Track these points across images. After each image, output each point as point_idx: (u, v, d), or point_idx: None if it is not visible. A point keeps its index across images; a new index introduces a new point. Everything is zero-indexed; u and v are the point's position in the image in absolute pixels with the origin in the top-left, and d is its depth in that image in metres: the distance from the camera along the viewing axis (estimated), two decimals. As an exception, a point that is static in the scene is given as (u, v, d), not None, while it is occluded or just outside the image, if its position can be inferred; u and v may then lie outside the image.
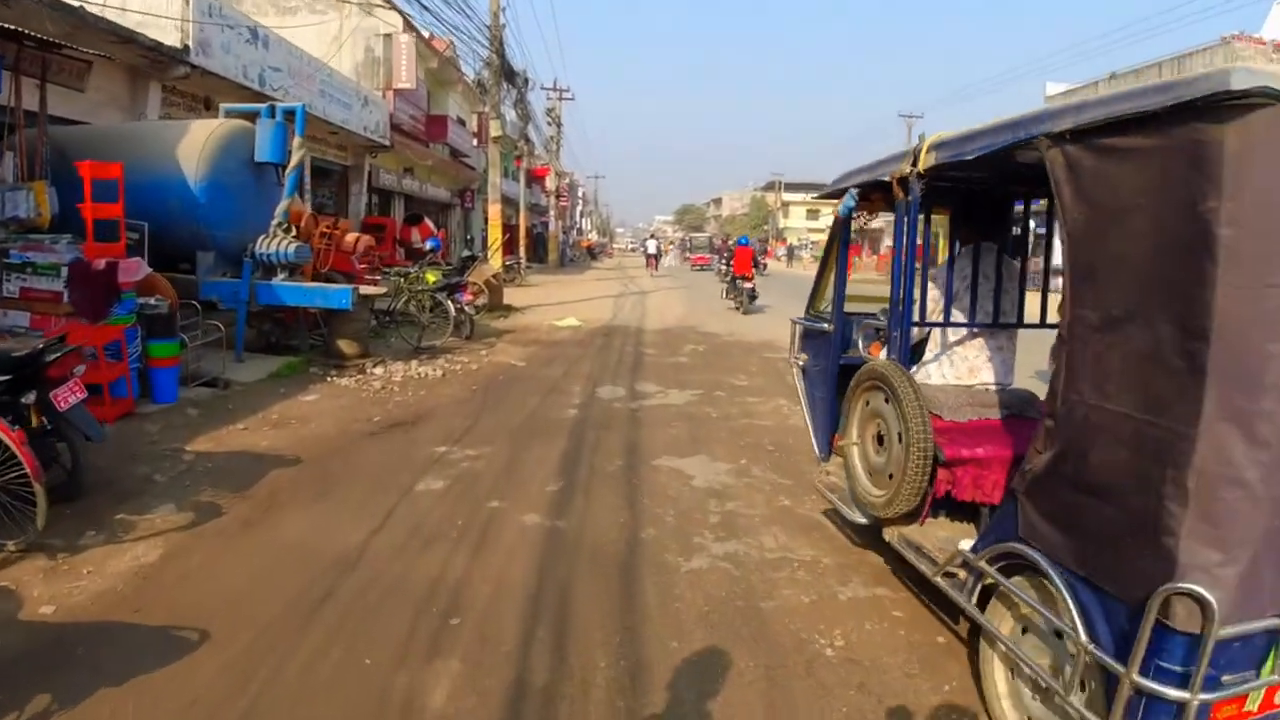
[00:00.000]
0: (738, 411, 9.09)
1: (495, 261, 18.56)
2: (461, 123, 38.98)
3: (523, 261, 30.24)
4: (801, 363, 5.78)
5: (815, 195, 10.33)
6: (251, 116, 11.42)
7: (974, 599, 3.44)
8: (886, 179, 4.24)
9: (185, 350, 8.97)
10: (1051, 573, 2.88)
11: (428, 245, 16.07)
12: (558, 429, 8.06)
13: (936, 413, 4.13)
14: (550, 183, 43.07)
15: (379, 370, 10.72)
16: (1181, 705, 2.39)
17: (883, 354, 4.49)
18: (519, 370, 11.45)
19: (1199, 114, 2.34)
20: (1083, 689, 2.77)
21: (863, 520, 4.57)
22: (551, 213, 43.16)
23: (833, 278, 5.39)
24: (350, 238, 16.14)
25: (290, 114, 11.28)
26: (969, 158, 3.51)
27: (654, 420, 8.59)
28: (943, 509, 4.21)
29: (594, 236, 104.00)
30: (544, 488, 6.19)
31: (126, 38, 11.81)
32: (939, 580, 3.72)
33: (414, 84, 27.36)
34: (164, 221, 10.16)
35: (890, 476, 4.08)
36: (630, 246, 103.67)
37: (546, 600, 4.34)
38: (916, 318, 4.38)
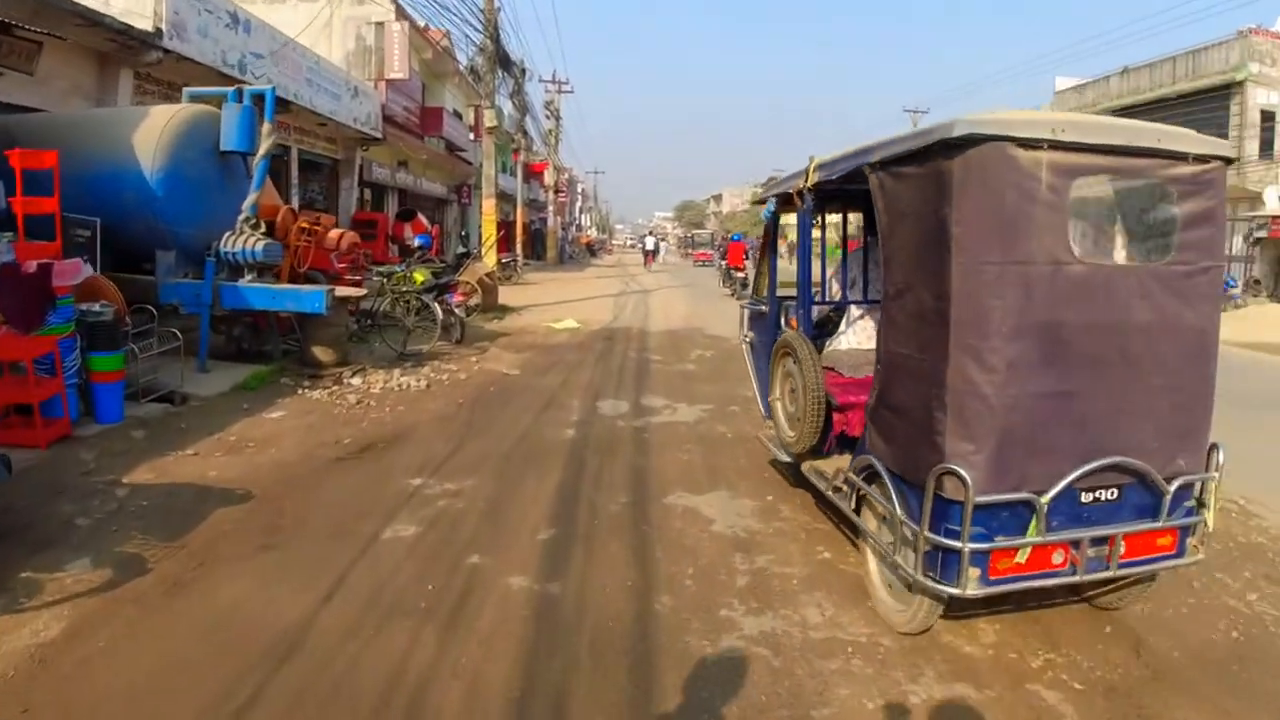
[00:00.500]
0: (755, 431, 8.09)
1: (489, 259, 17.54)
2: (458, 116, 37.91)
3: (519, 259, 29.21)
4: (749, 339, 7.01)
5: (751, 201, 11.54)
6: (219, 101, 10.38)
7: (852, 505, 4.49)
8: (790, 191, 5.39)
9: (135, 362, 7.97)
10: (882, 473, 4.01)
11: (416, 242, 14.97)
12: (553, 454, 7.05)
13: (839, 371, 5.46)
14: (548, 178, 41.99)
15: (356, 380, 9.71)
16: (958, 553, 3.42)
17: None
18: (512, 380, 10.43)
19: (939, 151, 3.50)
20: (906, 551, 3.80)
21: (787, 459, 5.66)
22: (550, 208, 42.07)
23: (767, 269, 6.51)
24: (333, 234, 15.06)
25: (259, 98, 10.24)
26: (834, 177, 4.66)
27: (663, 442, 7.58)
28: (846, 447, 5.09)
29: (593, 233, 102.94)
30: (535, 535, 5.18)
31: (93, 20, 10.82)
32: (831, 494, 4.81)
33: (407, 74, 26.33)
34: (119, 217, 9.17)
35: (798, 420, 5.22)
36: (629, 243, 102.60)
37: (534, 713, 3.34)
38: (818, 299, 6.22)
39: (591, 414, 8.64)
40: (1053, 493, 3.50)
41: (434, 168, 35.26)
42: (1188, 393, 3.81)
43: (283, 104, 19.81)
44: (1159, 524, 3.72)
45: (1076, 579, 3.69)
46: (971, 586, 3.47)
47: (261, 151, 9.97)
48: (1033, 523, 3.52)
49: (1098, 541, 3.67)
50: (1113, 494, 3.73)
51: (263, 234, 9.87)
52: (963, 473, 3.37)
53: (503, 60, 16.96)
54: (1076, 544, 3.61)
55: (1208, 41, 31.17)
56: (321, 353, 10.30)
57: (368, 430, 7.65)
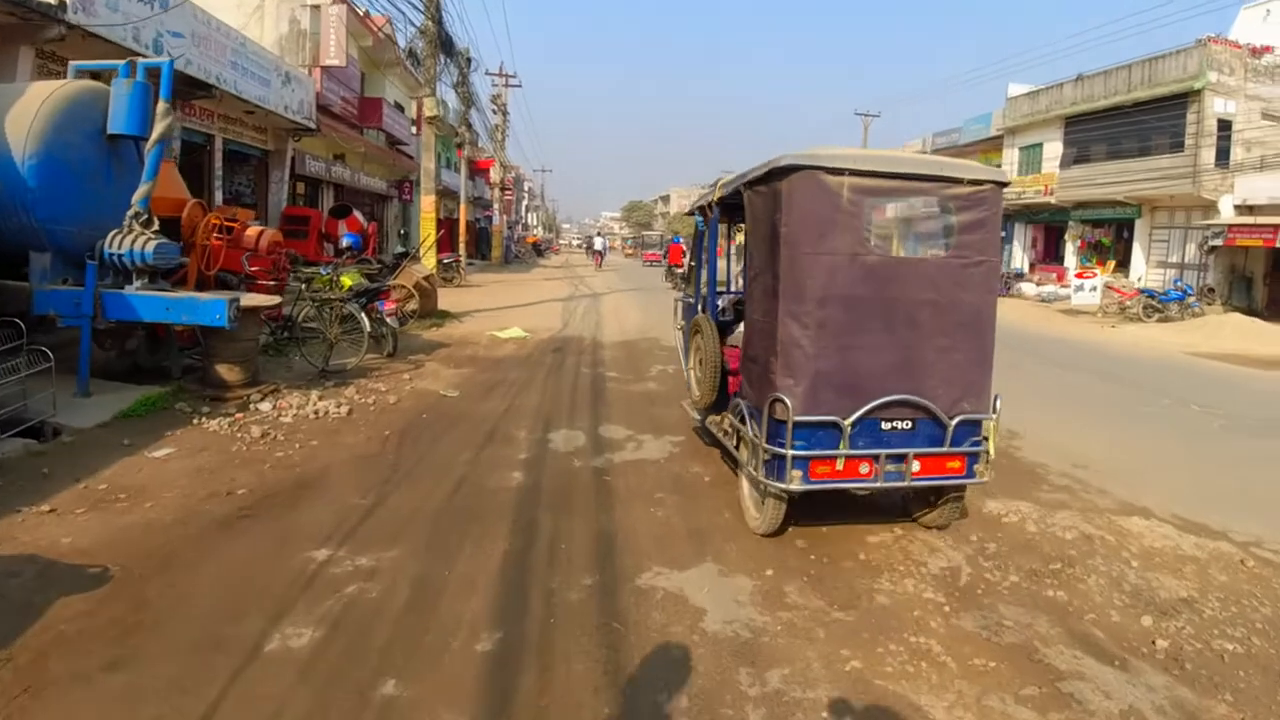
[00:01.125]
0: (736, 471, 6.93)
1: (429, 261, 16.15)
2: (399, 108, 36.27)
3: (463, 260, 27.74)
4: (680, 327, 8.42)
5: (686, 212, 13.18)
6: (110, 77, 8.89)
7: (734, 444, 5.87)
8: (704, 204, 7.02)
9: (-16, 387, 6.52)
10: (745, 409, 5.48)
11: (345, 241, 13.52)
12: (496, 511, 5.76)
13: (738, 346, 6.24)
14: (494, 175, 40.44)
15: (265, 406, 8.32)
16: (783, 458, 4.76)
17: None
18: (449, 404, 9.11)
19: (777, 176, 4.97)
20: (758, 464, 5.08)
21: (699, 418, 7.23)
22: (495, 207, 40.50)
23: (695, 268, 8.03)
24: (251, 232, 13.62)
25: (155, 72, 8.75)
26: (729, 193, 6.18)
27: (630, 490, 6.35)
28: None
29: (540, 232, 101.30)
30: (472, 645, 3.90)
31: (-15, -11, 9.31)
32: (720, 437, 6.36)
33: (344, 61, 24.79)
34: (-21, 212, 7.70)
35: (701, 382, 6.86)
36: (576, 243, 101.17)
37: None
38: (722, 289, 8.18)
39: (542, 449, 7.39)
40: (853, 418, 4.83)
41: (373, 162, 33.59)
42: (967, 353, 5.10)
43: (204, 88, 18.26)
44: (944, 450, 5.03)
45: (878, 485, 4.98)
46: (795, 483, 4.82)
47: (155, 135, 8.49)
48: (842, 440, 4.84)
49: (895, 459, 4.97)
50: (907, 425, 5.01)
51: (156, 232, 8.41)
52: (786, 400, 4.78)
53: (445, 44, 15.58)
54: (877, 459, 4.92)
55: (1165, 50, 30.94)
56: (227, 371, 8.88)
57: (270, 476, 6.28)
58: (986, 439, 5.13)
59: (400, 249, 24.26)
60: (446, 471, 6.57)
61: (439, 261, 24.77)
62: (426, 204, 16.00)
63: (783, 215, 4.89)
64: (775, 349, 4.93)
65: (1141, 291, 27.50)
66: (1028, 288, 36.05)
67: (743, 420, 5.49)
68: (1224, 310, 27.41)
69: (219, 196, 21.15)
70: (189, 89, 17.72)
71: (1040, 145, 38.02)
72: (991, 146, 42.21)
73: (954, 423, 4.98)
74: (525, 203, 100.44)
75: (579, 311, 19.66)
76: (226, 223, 13.92)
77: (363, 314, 10.32)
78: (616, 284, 32.32)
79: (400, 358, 11.72)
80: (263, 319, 10.05)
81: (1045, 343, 18.41)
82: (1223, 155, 29.80)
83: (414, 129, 37.47)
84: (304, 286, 10.87)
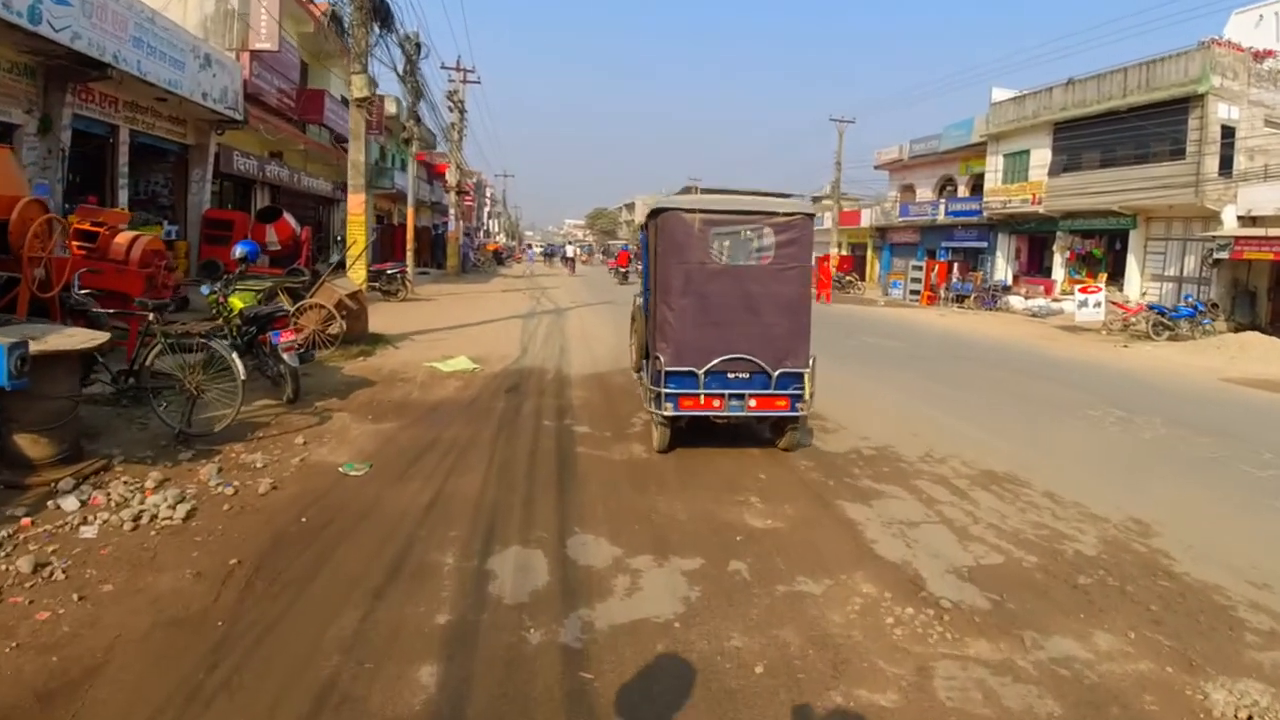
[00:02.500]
0: (796, 640, 4.13)
1: (357, 274, 13.21)
2: (347, 104, 33.17)
3: (409, 270, 24.74)
4: (635, 327, 10.39)
5: (638, 227, 14.16)
6: None
7: (649, 389, 7.77)
8: (645, 222, 8.76)
9: None
10: (646, 364, 8.58)
11: (237, 252, 10.54)
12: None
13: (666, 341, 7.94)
14: (450, 177, 37.35)
15: (71, 502, 5.41)
16: (659, 395, 7.23)
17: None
18: (349, 492, 6.18)
19: (656, 214, 7.69)
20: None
21: (636, 375, 9.75)
22: (452, 212, 37.37)
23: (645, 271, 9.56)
24: (121, 240, 10.67)
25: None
26: (655, 217, 7.82)
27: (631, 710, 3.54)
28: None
29: (502, 239, 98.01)
30: None
31: None
32: (640, 389, 9.04)
33: (276, 45, 21.81)
34: None
35: (633, 350, 10.17)
36: (542, 250, 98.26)
37: None
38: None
39: (478, 596, 4.48)
40: (704, 369, 7.30)
41: (316, 161, 30.49)
42: (787, 328, 7.54)
43: (98, 68, 15.17)
44: (771, 392, 7.42)
45: (726, 414, 7.50)
46: (668, 411, 7.30)
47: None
48: (699, 384, 7.31)
49: (737, 397, 7.41)
50: (745, 375, 7.43)
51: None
52: (661, 358, 7.35)
53: (380, 11, 12.71)
54: (724, 397, 7.38)
55: (1165, 52, 28.87)
56: (30, 444, 5.96)
57: (10, 670, 3.42)
58: (804, 386, 7.48)
59: (338, 257, 21.25)
60: (304, 666, 3.69)
61: (381, 273, 21.80)
62: (354, 204, 13.09)
63: (658, 239, 7.72)
64: (654, 324, 7.83)
65: (1149, 307, 25.27)
66: (1015, 301, 33.83)
67: (645, 366, 8.45)
68: (1227, 326, 25.34)
69: (124, 197, 18.07)
70: (79, 68, 14.72)
71: (1027, 152, 35.86)
72: (973, 153, 40.05)
73: (777, 374, 7.41)
74: (487, 209, 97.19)
75: (540, 332, 16.79)
76: (92, 227, 10.99)
77: (234, 355, 7.37)
78: (583, 295, 29.39)
79: (303, 405, 8.85)
80: (98, 362, 7.11)
81: (1063, 368, 15.99)
82: (1225, 164, 27.78)
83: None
84: (151, 317, 7.71)
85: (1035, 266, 38.10)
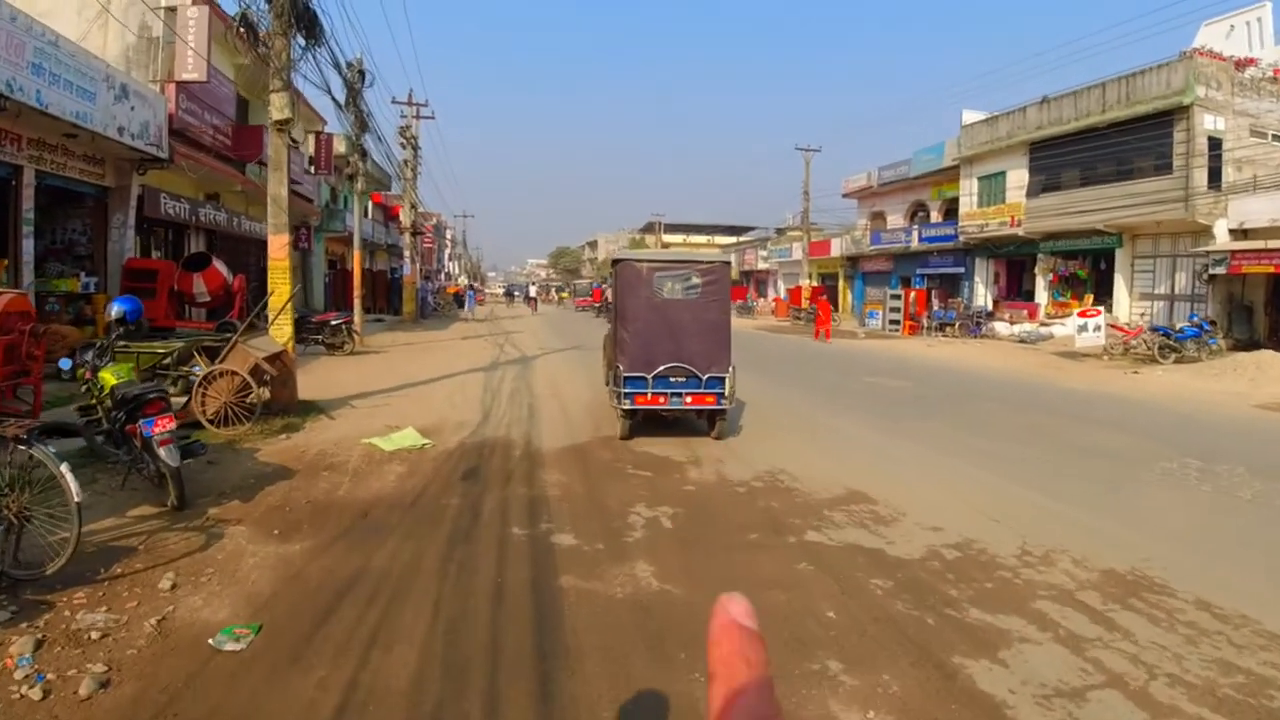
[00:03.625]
0: None
1: (281, 331, 10.85)
2: (294, 143, 30.92)
3: (357, 319, 22.35)
4: (605, 347, 12.86)
5: (604, 269, 18.68)
6: None
7: (610, 385, 11.07)
8: (609, 269, 12.93)
9: None
10: (613, 372, 10.88)
11: (112, 311, 8.17)
12: None
13: (624, 355, 10.22)
14: (405, 218, 35.02)
15: None
16: (619, 393, 9.91)
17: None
18: (210, 696, 3.83)
19: (616, 262, 10.85)
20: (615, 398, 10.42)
21: (608, 388, 11.12)
22: (406, 254, 34.95)
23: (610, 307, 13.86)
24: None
25: None
26: (615, 265, 10.85)
27: None
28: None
29: (464, 281, 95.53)
30: None
31: None
32: (609, 388, 11.11)
33: (204, 75, 19.48)
34: None
35: (604, 366, 12.49)
36: (504, 290, 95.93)
37: None
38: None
39: None
40: (652, 374, 9.63)
41: (259, 203, 27.98)
42: (712, 345, 9.91)
43: (-14, 97, 12.95)
44: (702, 391, 9.75)
45: (669, 408, 9.91)
46: (626, 405, 9.70)
47: None
48: (648, 385, 9.63)
49: (676, 395, 9.73)
50: (683, 379, 9.72)
51: None
52: (620, 365, 9.80)
53: (302, 18, 10.49)
54: (667, 395, 9.70)
55: (1144, 65, 27.52)
56: None
57: None
58: (725, 386, 9.88)
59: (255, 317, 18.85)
60: None
61: (324, 324, 19.41)
62: (275, 246, 10.75)
63: (617, 281, 10.73)
64: (616, 343, 10.50)
65: (1152, 328, 23.59)
66: (1000, 327, 32.12)
67: (611, 374, 10.69)
68: (1225, 343, 23.73)
69: (29, 246, 15.61)
70: (-41, 99, 12.42)
71: (1003, 174, 34.42)
72: (946, 178, 38.59)
73: (705, 377, 9.84)
74: (448, 251, 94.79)
75: (505, 388, 14.48)
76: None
77: (63, 467, 5.05)
78: (550, 340, 27.15)
79: (191, 514, 6.55)
80: None
81: (1089, 403, 14.13)
82: (1214, 176, 26.36)
83: (310, 167, 32.12)
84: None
85: (1015, 290, 36.58)
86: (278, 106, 10.76)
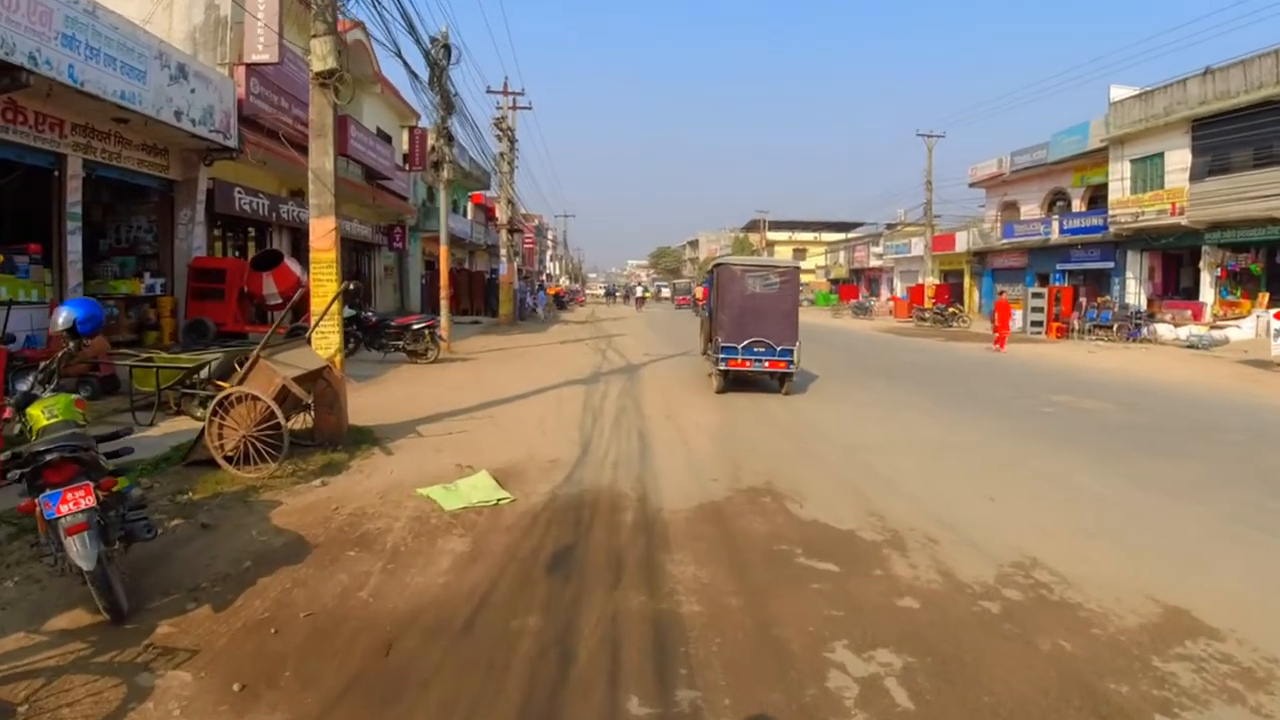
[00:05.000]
0: None
1: (325, 341, 8.34)
2: (385, 138, 29.03)
3: (443, 323, 20.03)
4: (701, 319, 18.94)
5: (704, 270, 20.49)
6: None
7: (712, 359, 14.63)
8: (710, 270, 16.26)
9: None
10: (713, 343, 15.31)
11: (59, 320, 5.74)
12: None
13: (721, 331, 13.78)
14: (502, 214, 32.79)
15: None
16: (719, 358, 13.64)
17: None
18: None
19: (717, 267, 14.83)
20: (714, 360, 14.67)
21: (704, 356, 16.24)
22: (503, 253, 32.72)
23: (706, 301, 18.35)
24: None
25: None
26: (715, 269, 14.96)
27: None
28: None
29: (565, 283, 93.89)
30: None
31: None
32: (704, 356, 16.70)
33: (277, 56, 17.46)
34: None
35: (701, 338, 17.73)
36: (604, 291, 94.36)
37: None
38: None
39: None
40: (741, 344, 13.18)
41: (350, 201, 26.25)
42: (786, 324, 13.41)
43: (6, 72, 11.04)
44: (776, 357, 13.20)
45: (752, 370, 13.35)
46: (722, 366, 13.39)
47: None
48: (738, 352, 13.16)
49: (758, 360, 13.22)
50: (763, 349, 13.17)
51: None
52: (719, 338, 13.47)
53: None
54: (751, 360, 13.22)
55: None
56: None
57: None
58: (793, 354, 13.19)
59: (350, 312, 16.57)
60: None
61: (405, 329, 17.08)
62: (318, 233, 8.33)
63: (717, 278, 14.08)
64: (715, 323, 14.00)
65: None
66: (1164, 330, 27.92)
67: (709, 346, 14.75)
68: None
69: (74, 244, 13.76)
70: (-22, 73, 10.49)
71: (1160, 155, 30.09)
72: (1090, 162, 34.30)
73: (779, 348, 13.06)
74: (549, 252, 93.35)
75: (608, 408, 11.75)
76: None
77: None
78: (656, 345, 24.30)
79: (135, 624, 4.10)
80: None
81: None
82: None
83: (404, 163, 30.22)
84: None
85: (1172, 287, 32.15)
86: (319, 55, 8.32)
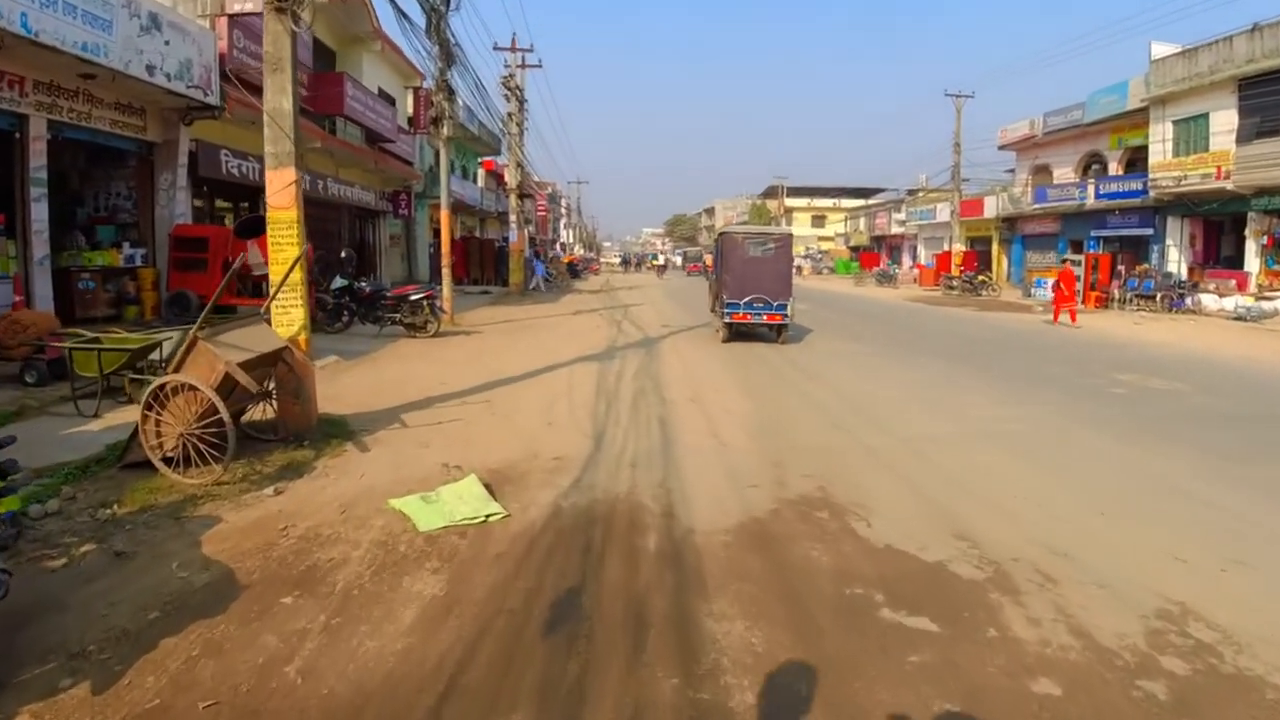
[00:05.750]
0: None
1: (285, 317, 7.00)
2: (389, 100, 27.56)
3: (444, 294, 18.62)
4: (709, 283, 21.52)
5: (719, 236, 18.73)
6: None
7: (719, 315, 17.15)
8: (716, 238, 19.94)
9: None
10: (717, 301, 18.25)
11: None
12: None
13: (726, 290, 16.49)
14: (511, 177, 31.25)
15: None
16: (724, 312, 16.22)
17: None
18: None
19: (721, 236, 18.17)
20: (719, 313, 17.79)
21: (712, 312, 18.87)
22: (512, 219, 31.18)
23: (713, 265, 21.85)
24: None
25: None
26: (721, 238, 17.92)
27: None
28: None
29: (579, 250, 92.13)
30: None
31: None
32: (713, 312, 18.93)
33: (261, 4, 15.96)
34: None
35: (710, 297, 20.02)
36: (619, 260, 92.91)
37: None
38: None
39: None
40: (743, 300, 15.60)
41: (351, 166, 24.87)
42: (781, 283, 15.88)
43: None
44: (774, 310, 15.70)
45: (753, 322, 15.87)
46: (727, 319, 15.89)
47: None
48: (740, 307, 15.81)
49: (757, 314, 15.70)
50: (761, 304, 15.63)
51: None
52: (724, 295, 16.13)
53: None
54: (751, 313, 15.72)
55: None
56: None
57: None
58: (788, 308, 15.64)
59: (341, 282, 15.25)
60: None
61: (403, 299, 15.69)
62: (274, 187, 6.96)
63: (722, 245, 16.80)
64: (720, 284, 16.66)
65: None
66: (1208, 301, 26.29)
67: (716, 304, 17.17)
68: None
69: (40, 212, 12.46)
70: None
71: (1205, 116, 28.20)
72: (1129, 123, 32.39)
73: (776, 303, 15.56)
74: (563, 220, 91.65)
75: (625, 390, 10.34)
76: None
77: None
78: (676, 315, 22.82)
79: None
80: None
81: None
82: None
83: (409, 125, 28.73)
84: None
85: (1212, 255, 30.38)
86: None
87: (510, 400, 9.39)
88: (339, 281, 14.72)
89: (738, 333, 16.37)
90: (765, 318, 15.64)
